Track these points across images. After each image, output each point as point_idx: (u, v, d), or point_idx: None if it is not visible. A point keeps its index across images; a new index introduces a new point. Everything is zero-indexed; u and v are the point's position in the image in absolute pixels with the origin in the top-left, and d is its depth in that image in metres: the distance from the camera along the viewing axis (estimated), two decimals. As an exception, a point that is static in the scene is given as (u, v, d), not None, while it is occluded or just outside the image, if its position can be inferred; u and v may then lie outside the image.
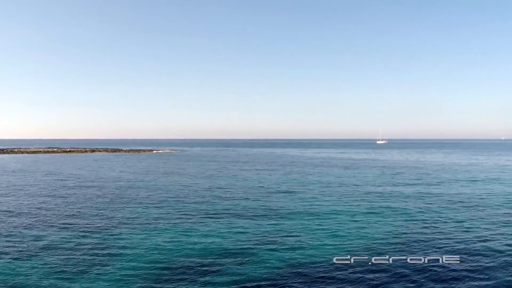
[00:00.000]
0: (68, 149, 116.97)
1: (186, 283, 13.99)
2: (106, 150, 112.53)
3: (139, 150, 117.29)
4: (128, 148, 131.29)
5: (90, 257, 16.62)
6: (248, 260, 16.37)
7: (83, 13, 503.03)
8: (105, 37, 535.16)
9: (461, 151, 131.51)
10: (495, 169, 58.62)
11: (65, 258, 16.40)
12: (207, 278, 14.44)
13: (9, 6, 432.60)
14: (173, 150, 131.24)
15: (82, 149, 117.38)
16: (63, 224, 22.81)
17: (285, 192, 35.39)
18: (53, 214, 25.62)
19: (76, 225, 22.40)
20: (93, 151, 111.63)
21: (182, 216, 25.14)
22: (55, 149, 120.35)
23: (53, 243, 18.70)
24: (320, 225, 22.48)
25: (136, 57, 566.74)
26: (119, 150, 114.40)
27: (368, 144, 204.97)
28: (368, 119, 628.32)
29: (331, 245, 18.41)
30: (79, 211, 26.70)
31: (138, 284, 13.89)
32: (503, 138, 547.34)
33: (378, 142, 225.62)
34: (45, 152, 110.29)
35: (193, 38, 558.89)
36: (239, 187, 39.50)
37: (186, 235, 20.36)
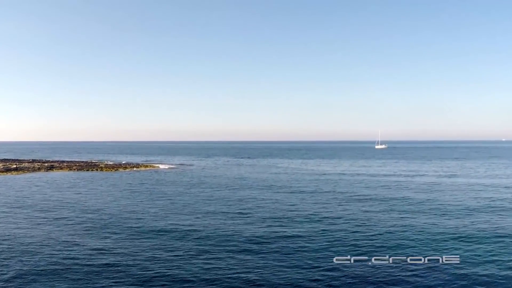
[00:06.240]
0: (14, 166, 75.30)
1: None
2: (70, 167, 73.33)
3: (117, 167, 72.95)
4: (104, 163, 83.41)
5: None
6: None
7: (80, 13, 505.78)
8: (103, 37, 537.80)
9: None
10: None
11: None
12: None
13: (5, 5, 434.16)
14: (171, 166, 79.09)
15: (37, 165, 77.56)
16: None
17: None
18: None
19: None
20: (50, 168, 72.97)
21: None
22: None
23: None
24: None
25: (136, 57, 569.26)
26: (90, 168, 72.36)
27: (366, 149, 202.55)
28: (367, 120, 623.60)
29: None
30: None
31: None
32: (503, 140, 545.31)
33: (377, 147, 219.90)
34: None
35: (196, 38, 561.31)
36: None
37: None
